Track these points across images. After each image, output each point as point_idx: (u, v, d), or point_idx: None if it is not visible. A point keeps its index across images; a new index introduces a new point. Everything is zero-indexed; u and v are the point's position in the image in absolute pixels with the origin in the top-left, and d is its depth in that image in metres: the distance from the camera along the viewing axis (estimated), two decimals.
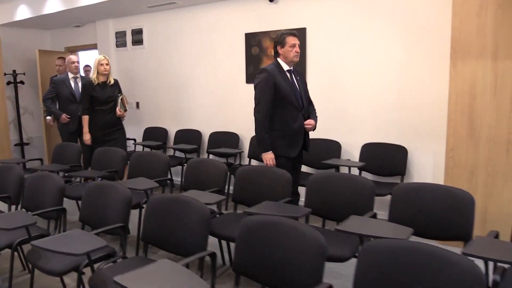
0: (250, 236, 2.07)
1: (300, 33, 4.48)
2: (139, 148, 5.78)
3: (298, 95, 3.33)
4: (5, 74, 6.61)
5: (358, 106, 4.28)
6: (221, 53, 5.24)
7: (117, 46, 6.26)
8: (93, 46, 6.62)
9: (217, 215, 3.15)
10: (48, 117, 5.77)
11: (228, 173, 3.57)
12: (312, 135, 3.75)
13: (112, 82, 4.68)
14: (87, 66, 6.95)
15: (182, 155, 5.47)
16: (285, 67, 3.32)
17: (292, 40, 3.27)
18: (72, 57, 5.25)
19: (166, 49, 5.75)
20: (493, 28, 3.23)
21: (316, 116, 3.50)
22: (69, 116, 5.12)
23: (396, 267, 1.67)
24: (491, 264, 2.08)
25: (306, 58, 4.57)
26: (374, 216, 2.66)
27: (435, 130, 3.81)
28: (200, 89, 5.50)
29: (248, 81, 5.02)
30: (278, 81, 3.22)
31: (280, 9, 4.69)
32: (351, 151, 4.35)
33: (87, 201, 2.86)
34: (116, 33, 6.23)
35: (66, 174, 4.33)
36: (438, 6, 3.74)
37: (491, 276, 1.99)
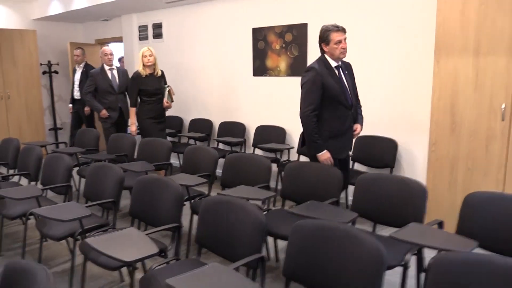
0: (303, 241, 1.98)
1: (302, 28, 4.72)
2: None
3: (347, 93, 3.15)
4: (41, 65, 7.18)
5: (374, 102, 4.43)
6: (230, 47, 5.51)
7: (140, 39, 6.66)
8: (120, 39, 7.06)
9: (265, 212, 3.08)
10: (86, 109, 6.08)
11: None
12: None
13: (159, 73, 4.76)
14: (122, 57, 7.41)
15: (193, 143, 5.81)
16: (333, 63, 3.12)
17: (336, 37, 3.03)
18: (106, 49, 5.30)
19: (182, 42, 6.07)
20: (475, 24, 3.30)
21: (362, 117, 3.38)
22: (107, 114, 5.17)
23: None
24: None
25: (307, 53, 4.75)
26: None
27: (423, 124, 3.92)
28: (212, 80, 5.80)
29: (255, 74, 5.27)
30: (327, 80, 3.04)
31: (284, 5, 4.89)
32: None
33: (138, 195, 2.84)
34: (139, 27, 6.63)
35: (80, 156, 4.76)
36: (424, 3, 3.84)
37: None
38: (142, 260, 1.94)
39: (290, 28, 4.86)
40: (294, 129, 4.91)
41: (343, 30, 3.06)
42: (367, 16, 4.25)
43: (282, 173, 3.71)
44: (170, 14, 6.16)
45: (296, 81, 4.80)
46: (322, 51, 3.15)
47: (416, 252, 2.41)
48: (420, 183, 2.62)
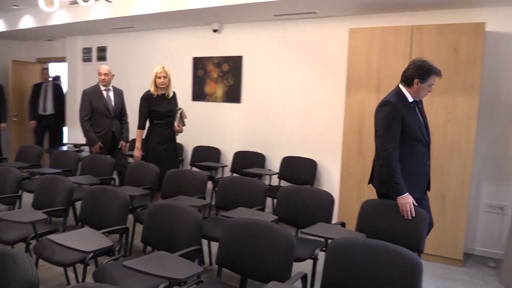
0: (231, 235, 2.43)
1: (237, 61, 5.31)
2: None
3: (424, 129, 2.92)
4: None
5: (280, 125, 5.09)
6: (173, 73, 5.95)
7: (83, 60, 6.92)
8: (62, 59, 7.27)
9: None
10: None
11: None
12: (242, 147, 4.48)
13: (171, 95, 4.42)
14: (58, 76, 7.59)
15: None
16: (410, 98, 2.87)
17: (434, 81, 2.84)
18: (100, 69, 4.88)
19: (127, 66, 6.43)
20: (377, 67, 4.06)
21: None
22: (102, 146, 4.79)
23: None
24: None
25: (241, 82, 5.35)
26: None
27: (337, 147, 4.62)
28: None
29: (194, 98, 5.77)
30: (405, 115, 2.81)
31: (222, 38, 5.48)
32: (274, 162, 5.13)
33: (88, 204, 3.15)
34: (83, 49, 6.90)
35: (24, 171, 4.93)
36: (339, 48, 4.63)
37: None
38: (101, 250, 2.31)
39: (227, 59, 5.45)
40: (228, 150, 5.45)
41: (440, 76, 2.85)
42: (294, 56, 4.96)
43: (216, 188, 4.18)
44: (115, 39, 6.52)
45: (231, 106, 5.41)
46: (406, 83, 2.88)
47: (324, 248, 2.99)
48: (328, 193, 3.23)
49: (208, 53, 5.61)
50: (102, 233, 2.66)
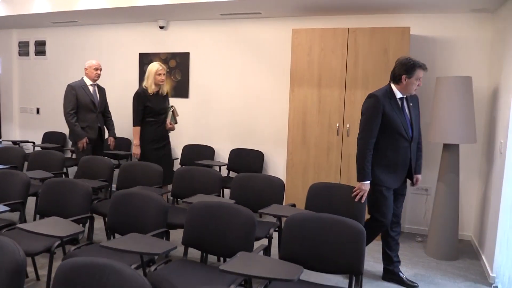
0: (196, 217, 2.65)
1: (185, 57, 5.48)
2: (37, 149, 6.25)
3: (408, 124, 3.13)
4: None
5: (228, 119, 5.34)
6: (118, 69, 6.01)
7: (19, 54, 6.70)
8: None
9: None
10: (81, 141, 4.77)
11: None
12: (191, 141, 4.67)
13: (165, 92, 4.45)
14: None
15: None
16: (398, 94, 3.11)
17: (421, 74, 3.05)
18: (94, 63, 4.80)
19: (68, 61, 6.34)
20: (317, 65, 4.45)
21: (421, 163, 3.35)
22: (88, 142, 4.72)
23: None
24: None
25: (189, 78, 5.54)
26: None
27: (282, 139, 4.97)
28: None
29: None
30: (387, 109, 3.04)
31: (168, 35, 5.63)
32: (223, 155, 5.38)
33: (47, 196, 3.22)
34: (19, 42, 6.68)
35: None
36: (283, 47, 5.00)
37: None
38: (74, 235, 2.42)
39: (174, 55, 5.60)
40: (177, 143, 5.60)
41: (426, 69, 3.07)
42: (240, 53, 5.24)
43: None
44: (56, 33, 6.39)
45: (179, 101, 5.57)
46: (395, 80, 3.11)
47: (277, 228, 3.31)
48: (279, 179, 3.56)
49: (155, 49, 5.72)
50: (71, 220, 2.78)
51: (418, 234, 4.58)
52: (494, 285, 3.42)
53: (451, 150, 3.93)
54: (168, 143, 4.53)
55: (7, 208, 2.85)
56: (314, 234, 2.43)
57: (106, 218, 2.99)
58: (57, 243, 2.70)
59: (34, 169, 4.47)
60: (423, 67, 3.04)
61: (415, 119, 3.19)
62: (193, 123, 5.59)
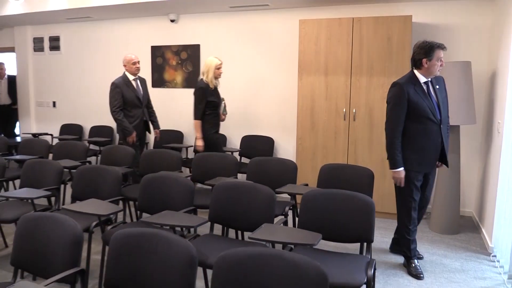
0: (221, 195, 2.76)
1: (195, 49, 5.72)
2: (56, 141, 6.54)
3: (436, 107, 3.17)
4: None
5: (239, 107, 5.60)
6: None
7: (34, 50, 6.94)
8: (11, 49, 7.21)
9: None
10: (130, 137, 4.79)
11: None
12: (165, 126, 4.99)
13: (218, 85, 4.56)
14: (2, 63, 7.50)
15: (96, 147, 6.37)
16: (422, 79, 3.17)
17: (440, 54, 3.09)
18: (132, 57, 4.79)
19: (83, 55, 6.59)
20: (324, 54, 4.69)
21: (448, 134, 3.33)
22: (135, 138, 4.76)
23: None
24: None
25: (200, 69, 5.78)
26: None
27: (292, 125, 5.24)
28: None
29: (154, 85, 6.11)
30: (412, 95, 3.11)
31: (179, 28, 5.86)
32: (234, 141, 5.66)
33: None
34: (34, 38, 6.92)
35: None
36: (290, 37, 5.23)
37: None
38: (115, 213, 2.70)
39: (185, 47, 5.84)
40: (190, 133, 5.88)
41: (445, 49, 3.11)
42: (249, 44, 5.48)
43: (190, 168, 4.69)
44: (69, 28, 6.63)
45: (191, 92, 5.81)
46: (417, 66, 3.17)
47: (291, 207, 3.59)
48: (292, 161, 3.82)
49: (166, 42, 5.96)
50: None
51: None
52: (492, 254, 3.70)
53: (452, 131, 4.18)
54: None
55: (48, 193, 3.14)
56: (328, 207, 2.71)
57: (137, 202, 3.26)
58: (94, 223, 2.98)
59: (59, 159, 4.75)
60: (441, 46, 3.09)
61: (442, 101, 3.21)
62: None
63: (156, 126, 5.13)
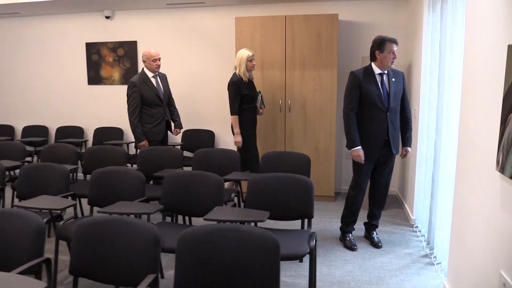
0: (172, 184, 2.93)
1: (132, 46, 5.76)
2: None
3: (385, 97, 3.44)
4: None
5: (178, 103, 5.70)
6: (65, 59, 6.14)
7: None
8: None
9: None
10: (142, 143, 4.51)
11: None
12: (103, 123, 5.08)
13: (253, 78, 4.44)
14: None
15: (32, 148, 6.18)
16: (377, 70, 3.45)
17: (392, 47, 3.36)
18: (152, 52, 4.49)
19: (14, 52, 6.31)
20: (260, 49, 4.97)
21: (410, 136, 3.65)
22: (147, 146, 4.45)
23: None
24: None
25: (138, 66, 5.84)
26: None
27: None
28: (47, 89, 6.28)
29: (90, 82, 6.06)
30: (363, 83, 3.42)
31: (115, 24, 5.87)
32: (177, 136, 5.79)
33: None
34: None
35: None
36: (227, 34, 5.46)
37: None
38: (69, 207, 2.78)
39: (121, 44, 5.86)
40: (129, 129, 5.90)
41: (396, 43, 3.40)
42: (187, 40, 5.63)
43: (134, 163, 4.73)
44: None
45: None
46: (372, 59, 3.47)
47: (236, 193, 3.84)
48: (234, 151, 4.09)
49: (102, 39, 5.93)
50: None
51: None
52: (415, 225, 4.22)
53: None
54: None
55: None
56: (272, 190, 3.00)
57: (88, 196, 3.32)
58: (46, 219, 3.01)
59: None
60: (392, 40, 3.38)
61: (395, 92, 3.48)
62: None
63: (177, 125, 4.85)
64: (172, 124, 4.85)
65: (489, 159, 2.10)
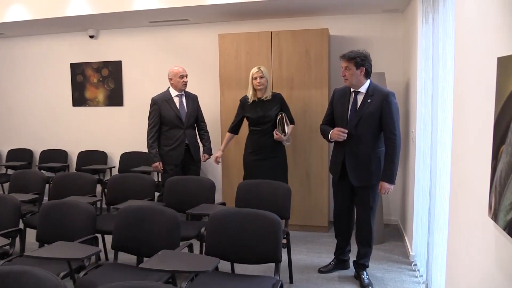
0: (123, 220, 2.74)
1: (117, 65, 5.50)
2: None
3: (350, 118, 3.20)
4: None
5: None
6: (49, 80, 5.91)
7: None
8: None
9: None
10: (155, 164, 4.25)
11: None
12: (128, 148, 4.75)
13: (269, 97, 3.98)
14: None
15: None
16: (352, 88, 3.21)
17: (342, 64, 3.20)
18: (180, 69, 4.25)
19: None
20: (244, 67, 4.62)
21: (388, 161, 3.18)
22: (162, 168, 4.22)
23: None
24: None
25: (123, 86, 5.56)
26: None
27: (217, 140, 5.09)
28: (31, 111, 6.04)
29: (75, 104, 5.80)
30: (335, 101, 3.33)
31: (99, 44, 5.62)
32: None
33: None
34: None
35: None
36: (211, 51, 5.11)
37: None
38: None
39: (106, 64, 5.60)
40: (114, 152, 5.62)
41: (343, 57, 3.20)
42: (170, 58, 5.31)
43: (106, 190, 4.36)
44: None
45: (114, 110, 5.59)
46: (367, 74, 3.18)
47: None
48: (209, 179, 3.75)
49: (86, 59, 5.69)
50: None
51: None
52: (414, 263, 3.73)
53: None
54: (278, 156, 4.02)
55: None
56: (235, 228, 2.60)
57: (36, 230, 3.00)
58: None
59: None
60: (340, 55, 3.25)
61: (363, 115, 3.12)
62: (129, 131, 5.61)
63: (205, 150, 4.48)
64: (201, 149, 4.49)
65: (481, 202, 1.67)
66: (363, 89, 3.16)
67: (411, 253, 3.81)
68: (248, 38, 4.59)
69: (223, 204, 3.62)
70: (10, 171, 5.96)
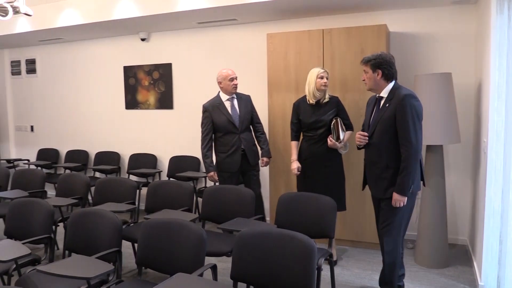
0: (149, 234, 2.58)
1: (167, 68, 5.43)
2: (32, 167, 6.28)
3: (370, 124, 3.04)
4: None
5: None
6: (104, 83, 6.00)
7: (12, 74, 6.76)
8: None
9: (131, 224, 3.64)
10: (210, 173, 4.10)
11: None
12: (177, 152, 4.63)
13: (327, 100, 3.69)
14: None
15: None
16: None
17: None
18: (229, 72, 4.06)
19: (57, 78, 6.36)
20: (294, 68, 4.30)
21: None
22: (216, 178, 4.07)
23: None
24: None
25: (173, 89, 5.48)
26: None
27: None
28: (87, 114, 6.18)
29: (127, 107, 5.81)
30: (367, 108, 3.17)
31: (150, 47, 5.58)
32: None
33: (13, 216, 3.15)
34: (12, 62, 6.74)
35: None
36: (259, 52, 4.86)
37: None
38: (18, 258, 2.35)
39: (157, 67, 5.54)
40: (163, 156, 5.55)
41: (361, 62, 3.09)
42: (219, 60, 5.15)
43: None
44: (44, 51, 6.43)
45: (164, 113, 5.52)
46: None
47: None
48: (249, 190, 3.44)
49: (138, 62, 5.68)
50: (25, 242, 2.71)
51: (409, 240, 4.36)
52: None
53: (434, 151, 3.73)
54: (333, 165, 3.69)
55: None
56: (264, 250, 2.30)
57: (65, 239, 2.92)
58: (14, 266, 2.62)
59: (16, 188, 4.45)
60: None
61: (379, 120, 2.91)
62: (179, 134, 5.51)
63: (264, 153, 4.19)
64: (259, 152, 4.23)
65: None
66: (384, 93, 2.95)
67: (479, 283, 3.27)
68: (298, 37, 4.26)
69: (261, 218, 3.33)
70: (64, 171, 6.14)
